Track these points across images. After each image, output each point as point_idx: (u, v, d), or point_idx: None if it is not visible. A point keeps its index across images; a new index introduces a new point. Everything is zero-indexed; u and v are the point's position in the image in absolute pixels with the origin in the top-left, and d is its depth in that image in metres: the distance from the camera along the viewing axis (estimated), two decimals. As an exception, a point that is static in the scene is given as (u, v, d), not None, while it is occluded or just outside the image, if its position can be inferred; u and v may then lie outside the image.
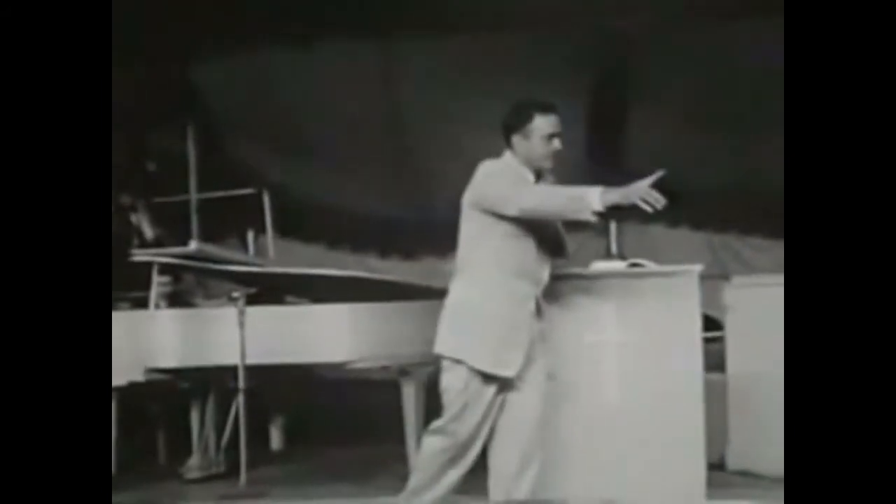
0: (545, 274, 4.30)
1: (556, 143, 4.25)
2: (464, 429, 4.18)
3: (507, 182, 4.17)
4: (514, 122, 4.26)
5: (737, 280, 6.22)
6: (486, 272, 4.21)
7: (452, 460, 4.24)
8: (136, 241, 6.90)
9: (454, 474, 4.26)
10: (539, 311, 4.28)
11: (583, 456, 5.02)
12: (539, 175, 4.27)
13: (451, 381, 4.19)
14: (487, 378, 4.15)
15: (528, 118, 4.23)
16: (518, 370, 4.17)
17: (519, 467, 4.25)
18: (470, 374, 4.15)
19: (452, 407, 4.19)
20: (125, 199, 6.96)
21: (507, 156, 4.29)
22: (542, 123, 4.23)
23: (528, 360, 4.21)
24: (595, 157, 8.34)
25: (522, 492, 4.25)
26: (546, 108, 4.26)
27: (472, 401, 4.16)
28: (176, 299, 6.26)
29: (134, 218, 7.08)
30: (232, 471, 5.94)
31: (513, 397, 4.24)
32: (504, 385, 4.21)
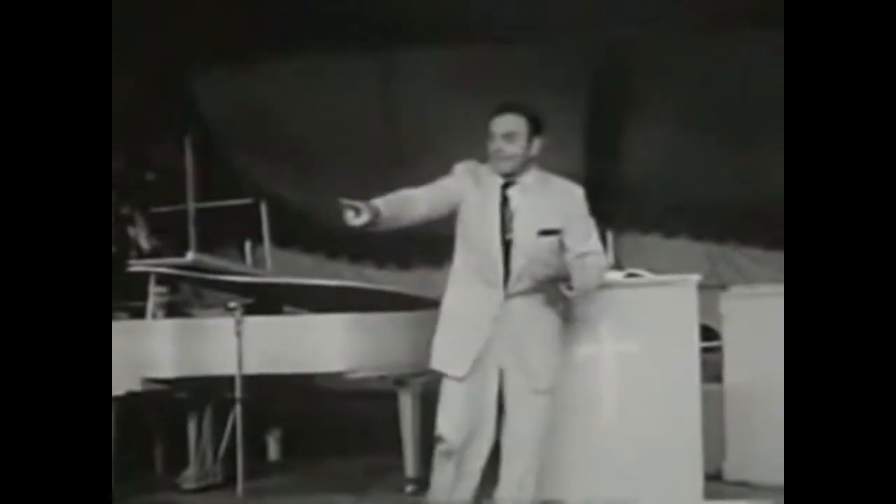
0: (508, 277, 4.15)
1: (506, 142, 4.16)
2: (454, 434, 4.15)
3: (438, 182, 4.23)
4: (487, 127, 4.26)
5: (734, 290, 6.23)
6: (455, 275, 4.25)
7: (458, 475, 4.21)
8: (133, 252, 6.89)
9: (463, 488, 4.23)
10: (509, 318, 4.15)
11: (580, 466, 5.02)
12: (508, 176, 4.19)
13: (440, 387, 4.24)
14: (460, 380, 4.13)
15: (489, 119, 4.22)
16: (466, 372, 4.11)
17: (516, 477, 4.24)
18: (443, 379, 4.19)
19: (440, 410, 4.22)
20: (122, 209, 6.94)
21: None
22: (496, 124, 4.19)
23: (508, 371, 4.16)
24: (593, 170, 8.36)
25: (524, 500, 4.25)
26: (501, 109, 4.22)
27: (450, 403, 4.16)
28: (173, 309, 6.24)
29: (131, 228, 7.08)
30: (229, 481, 5.92)
31: (507, 408, 4.21)
32: (489, 392, 4.16)
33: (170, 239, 7.32)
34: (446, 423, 4.17)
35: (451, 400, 4.17)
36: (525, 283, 4.12)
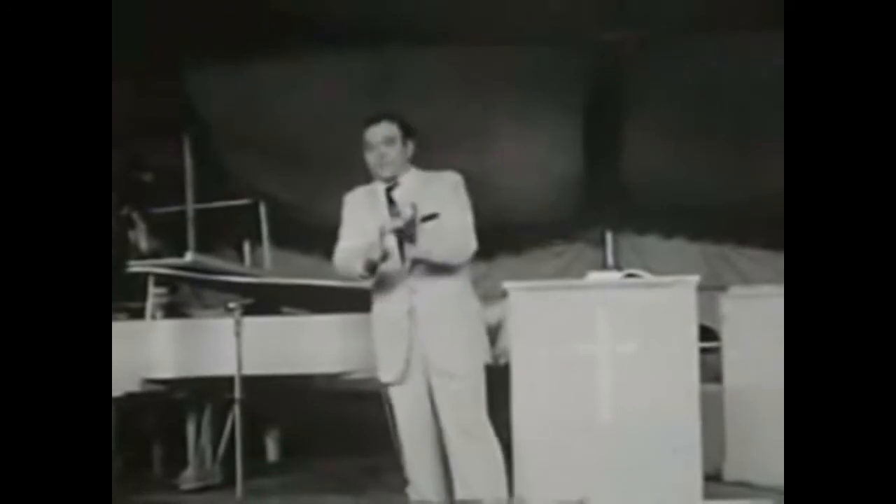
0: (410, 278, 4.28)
1: (387, 147, 4.32)
2: (402, 439, 4.36)
3: (345, 226, 4.43)
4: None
5: (733, 291, 6.23)
6: (375, 286, 4.35)
7: (418, 470, 4.37)
8: (132, 252, 6.89)
9: (421, 487, 4.35)
10: (419, 316, 4.24)
11: (579, 466, 5.02)
12: (391, 188, 4.32)
13: None
14: (399, 384, 4.28)
15: (363, 133, 4.37)
16: (398, 375, 4.25)
17: (456, 468, 4.27)
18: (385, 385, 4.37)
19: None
20: (121, 211, 6.95)
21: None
22: (373, 133, 4.35)
23: (430, 365, 4.22)
24: (591, 171, 8.37)
25: (483, 491, 4.27)
26: (372, 119, 4.38)
27: (395, 409, 4.37)
28: (172, 310, 6.25)
29: (130, 229, 7.08)
30: (228, 482, 5.92)
31: (436, 401, 4.27)
32: (421, 387, 4.26)
33: (169, 240, 7.33)
34: (399, 428, 4.38)
35: (397, 405, 4.35)
36: (423, 274, 4.24)
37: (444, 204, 4.25)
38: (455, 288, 4.31)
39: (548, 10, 6.91)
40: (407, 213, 4.06)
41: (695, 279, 5.13)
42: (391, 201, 4.30)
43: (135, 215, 7.10)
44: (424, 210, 4.18)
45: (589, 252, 8.76)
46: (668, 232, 8.72)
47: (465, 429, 4.25)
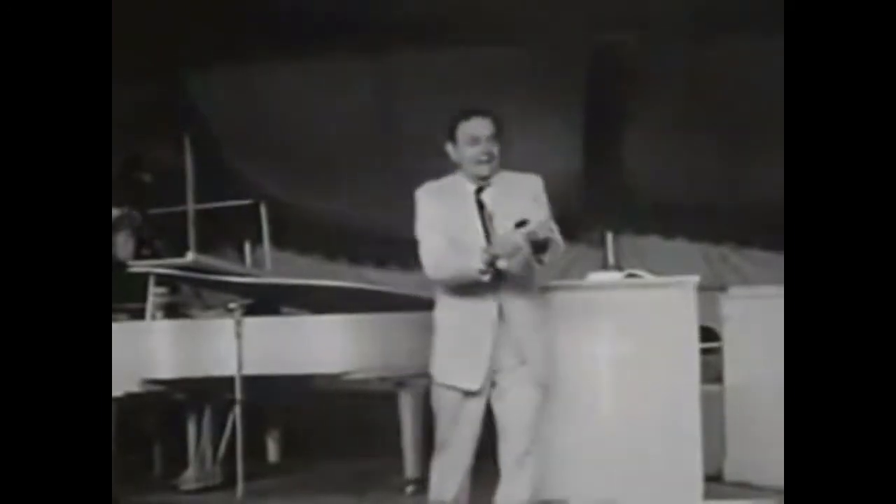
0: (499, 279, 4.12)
1: (492, 144, 4.17)
2: (453, 441, 4.18)
3: (426, 223, 4.18)
4: (447, 134, 4.23)
5: (734, 291, 6.23)
6: (444, 289, 4.22)
7: (451, 471, 4.24)
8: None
9: (450, 485, 4.25)
10: (507, 320, 4.12)
11: (581, 466, 5.03)
12: (481, 189, 4.19)
13: (433, 396, 4.25)
14: (463, 392, 4.13)
15: (453, 126, 4.21)
16: (482, 383, 4.10)
17: (512, 472, 4.22)
18: (442, 389, 4.18)
19: (439, 421, 4.22)
20: (121, 210, 6.94)
21: (459, 173, 4.25)
22: (465, 128, 4.18)
23: (505, 369, 4.13)
24: (591, 171, 8.37)
25: (521, 495, 4.24)
26: (468, 114, 4.21)
27: (451, 414, 4.17)
28: (173, 310, 6.24)
29: (129, 229, 7.07)
30: (228, 483, 5.91)
31: (500, 406, 4.16)
32: (490, 394, 4.15)
33: (169, 240, 7.32)
34: (455, 434, 4.17)
35: (455, 410, 4.16)
36: (514, 281, 4.10)
37: (531, 208, 4.11)
38: (535, 297, 4.24)
39: (548, 11, 6.92)
40: (546, 225, 3.94)
41: (695, 279, 5.14)
42: (481, 204, 4.15)
43: (134, 215, 7.09)
44: (516, 214, 3.99)
45: (590, 253, 8.75)
46: (669, 232, 8.71)
47: (525, 438, 4.16)
